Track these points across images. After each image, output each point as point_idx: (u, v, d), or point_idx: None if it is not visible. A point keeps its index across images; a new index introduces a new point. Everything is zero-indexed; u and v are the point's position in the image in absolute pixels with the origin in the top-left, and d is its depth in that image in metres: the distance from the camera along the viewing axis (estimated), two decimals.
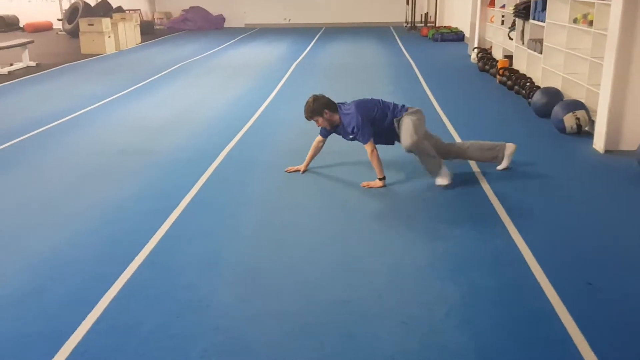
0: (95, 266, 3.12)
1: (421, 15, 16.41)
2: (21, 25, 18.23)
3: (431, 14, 16.55)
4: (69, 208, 3.93)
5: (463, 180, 4.22)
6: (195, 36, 15.51)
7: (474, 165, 4.53)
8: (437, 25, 15.92)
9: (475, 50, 9.76)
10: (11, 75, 9.41)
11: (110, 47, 12.35)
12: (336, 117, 4.19)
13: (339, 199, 4.01)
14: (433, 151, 4.07)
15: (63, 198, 4.12)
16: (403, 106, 4.24)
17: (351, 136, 4.19)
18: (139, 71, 9.67)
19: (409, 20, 16.50)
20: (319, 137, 4.42)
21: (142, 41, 14.22)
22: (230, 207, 3.89)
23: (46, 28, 17.90)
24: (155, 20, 18.37)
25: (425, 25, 15.77)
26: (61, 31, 16.58)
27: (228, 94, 7.72)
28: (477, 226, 3.49)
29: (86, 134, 5.86)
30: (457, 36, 13.04)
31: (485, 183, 4.18)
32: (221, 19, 18.32)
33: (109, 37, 12.32)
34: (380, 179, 4.13)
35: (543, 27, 6.87)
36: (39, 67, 10.20)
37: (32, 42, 10.31)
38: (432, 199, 3.94)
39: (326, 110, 4.13)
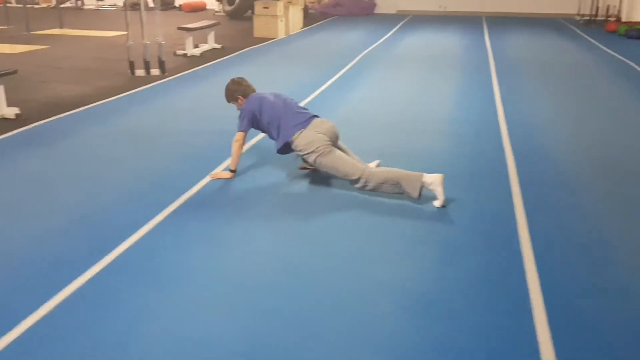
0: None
1: (597, 7, 14.87)
2: (176, 4, 18.59)
3: (613, 5, 14.97)
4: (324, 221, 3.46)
5: None
6: (350, 22, 15.00)
7: None
8: (622, 19, 14.36)
9: None
10: (203, 58, 9.31)
11: (281, 32, 12.11)
12: None
13: None
14: (388, 173, 3.69)
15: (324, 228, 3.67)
16: (305, 121, 3.91)
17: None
18: (323, 58, 9.24)
19: (582, 11, 15.06)
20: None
21: (303, 26, 13.93)
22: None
23: (201, 8, 18.10)
24: (308, 4, 18.09)
25: (606, 18, 14.32)
26: (217, 12, 16.68)
27: (441, 90, 7.08)
28: None
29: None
30: None
31: None
32: (372, 4, 17.72)
33: (281, 20, 12.07)
34: (231, 171, 4.11)
35: None
36: (224, 50, 10.08)
37: (218, 24, 10.19)
38: None
39: (239, 97, 4.15)
